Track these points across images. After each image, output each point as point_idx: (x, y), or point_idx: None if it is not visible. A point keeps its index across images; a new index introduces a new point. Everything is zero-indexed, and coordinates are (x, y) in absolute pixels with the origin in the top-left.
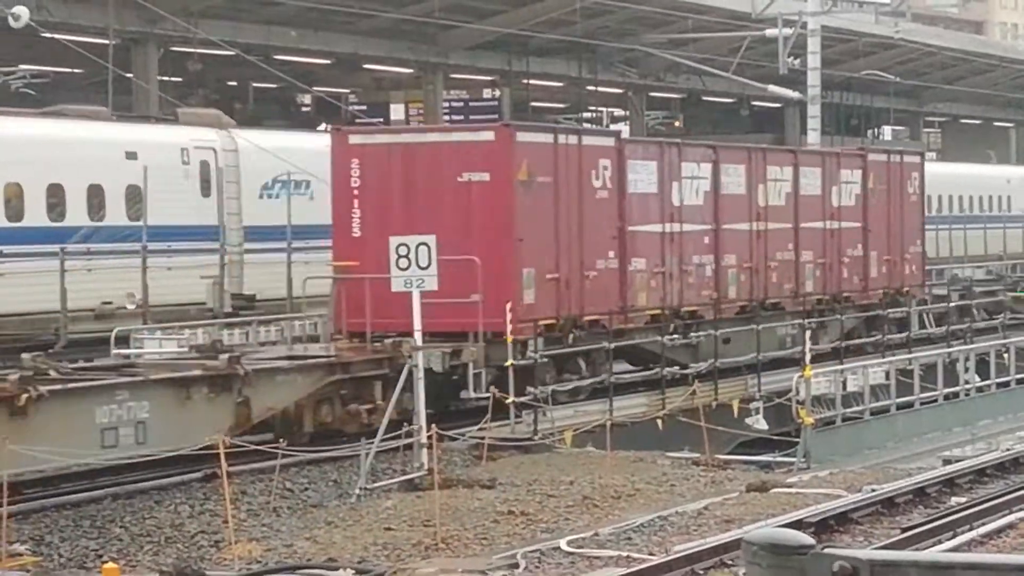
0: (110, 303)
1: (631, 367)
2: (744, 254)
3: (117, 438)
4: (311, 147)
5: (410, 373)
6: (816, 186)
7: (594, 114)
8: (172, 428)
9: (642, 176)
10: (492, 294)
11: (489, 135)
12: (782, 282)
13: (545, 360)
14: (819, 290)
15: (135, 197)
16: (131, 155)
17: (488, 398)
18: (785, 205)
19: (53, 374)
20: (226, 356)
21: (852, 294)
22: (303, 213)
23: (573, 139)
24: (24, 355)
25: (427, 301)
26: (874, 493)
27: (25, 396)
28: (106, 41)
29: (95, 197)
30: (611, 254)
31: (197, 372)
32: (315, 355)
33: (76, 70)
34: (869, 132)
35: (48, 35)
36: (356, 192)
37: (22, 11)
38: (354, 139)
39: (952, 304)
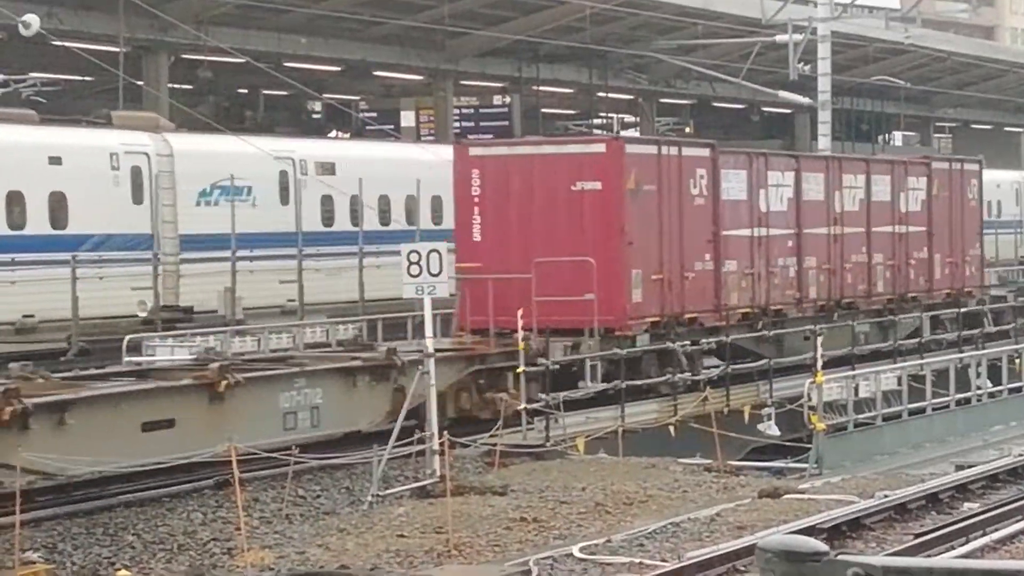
0: (32, 316)
1: (719, 361)
2: (823, 256)
3: (296, 421)
4: (253, 152)
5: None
6: (886, 192)
7: (604, 120)
8: (341, 412)
9: (733, 184)
10: (604, 293)
11: (600, 147)
12: (856, 283)
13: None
14: (889, 290)
15: (59, 204)
16: (55, 160)
17: (606, 388)
18: (858, 210)
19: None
20: (384, 349)
21: (919, 294)
22: (247, 221)
23: (674, 150)
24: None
25: (548, 299)
26: (887, 499)
27: (224, 383)
28: (117, 49)
29: (15, 204)
30: (707, 256)
31: (358, 363)
32: (457, 348)
33: (87, 78)
34: (880, 137)
35: (59, 43)
36: (476, 200)
37: (33, 19)
38: (474, 151)
39: (1009, 304)
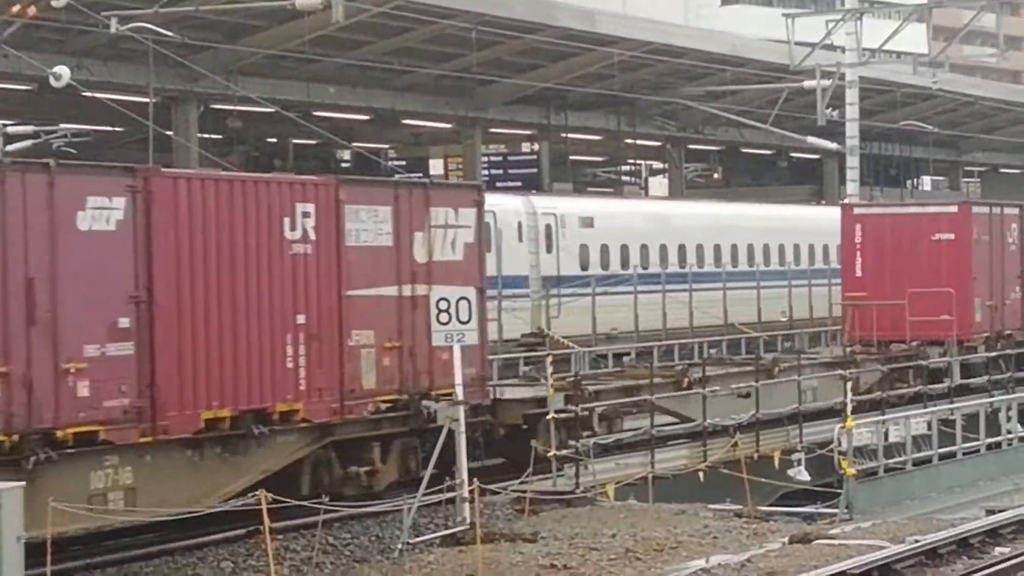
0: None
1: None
2: None
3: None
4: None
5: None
6: None
7: (632, 167)
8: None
9: None
10: (958, 314)
11: (954, 209)
12: None
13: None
14: None
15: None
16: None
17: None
18: None
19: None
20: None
21: None
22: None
23: (996, 209)
24: None
25: (920, 319)
26: (917, 544)
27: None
28: (146, 99)
29: None
30: (1017, 288)
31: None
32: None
33: (117, 128)
34: (908, 183)
35: (89, 94)
36: (858, 246)
37: (63, 71)
38: (857, 211)
39: None
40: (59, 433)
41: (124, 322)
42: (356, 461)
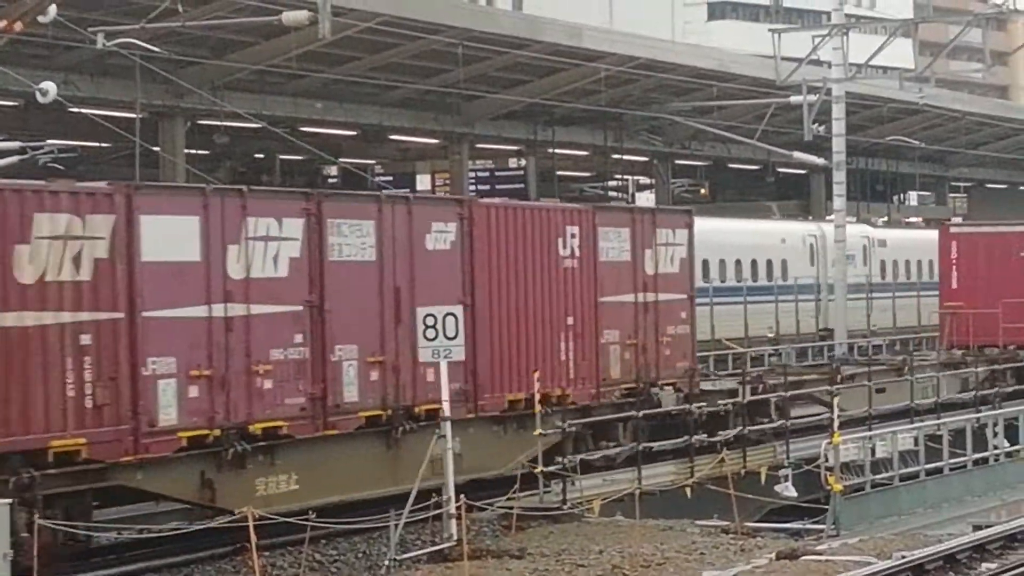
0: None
1: None
2: None
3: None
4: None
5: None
6: None
7: (619, 182)
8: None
9: None
10: None
11: None
12: None
13: None
14: None
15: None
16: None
17: None
18: None
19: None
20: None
21: None
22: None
23: None
24: None
25: (1012, 326)
26: (904, 560)
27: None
28: (133, 115)
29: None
30: None
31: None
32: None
33: (104, 144)
34: (895, 198)
35: (75, 110)
36: (954, 261)
37: (50, 87)
38: (953, 230)
39: None
40: (416, 409)
41: None
42: (605, 437)
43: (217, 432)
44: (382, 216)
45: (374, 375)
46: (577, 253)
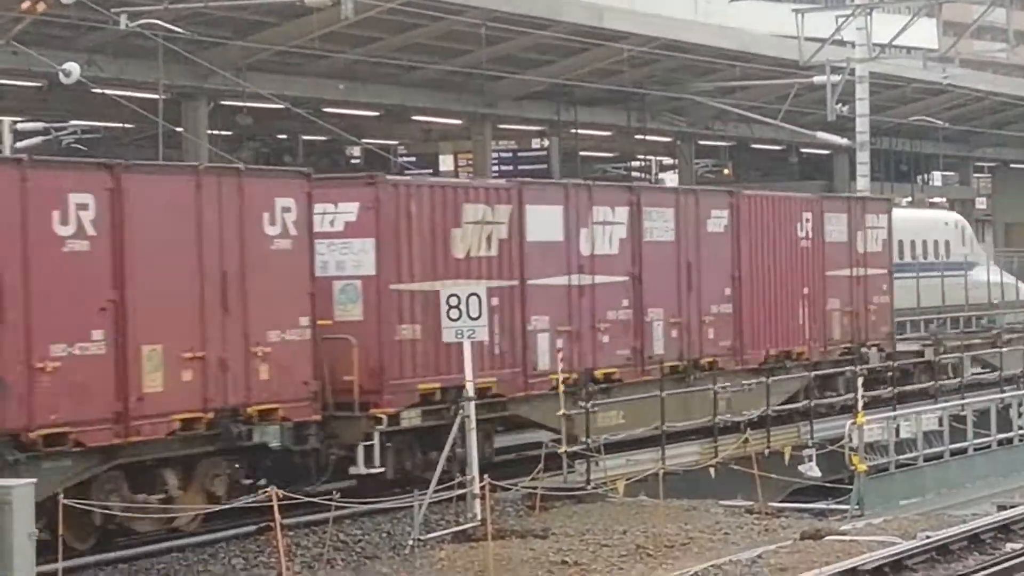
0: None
1: None
2: None
3: None
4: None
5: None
6: None
7: (643, 163)
8: None
9: None
10: None
11: None
12: None
13: None
14: None
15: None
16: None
17: None
18: None
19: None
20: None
21: None
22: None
23: None
24: None
25: None
26: (928, 540)
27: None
28: (156, 96)
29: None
30: None
31: None
32: None
33: (127, 125)
34: (918, 178)
35: (99, 91)
36: None
37: (73, 67)
38: None
39: None
40: (701, 361)
41: (727, 292)
42: (828, 388)
43: (575, 376)
44: (678, 205)
45: (674, 333)
46: (810, 235)
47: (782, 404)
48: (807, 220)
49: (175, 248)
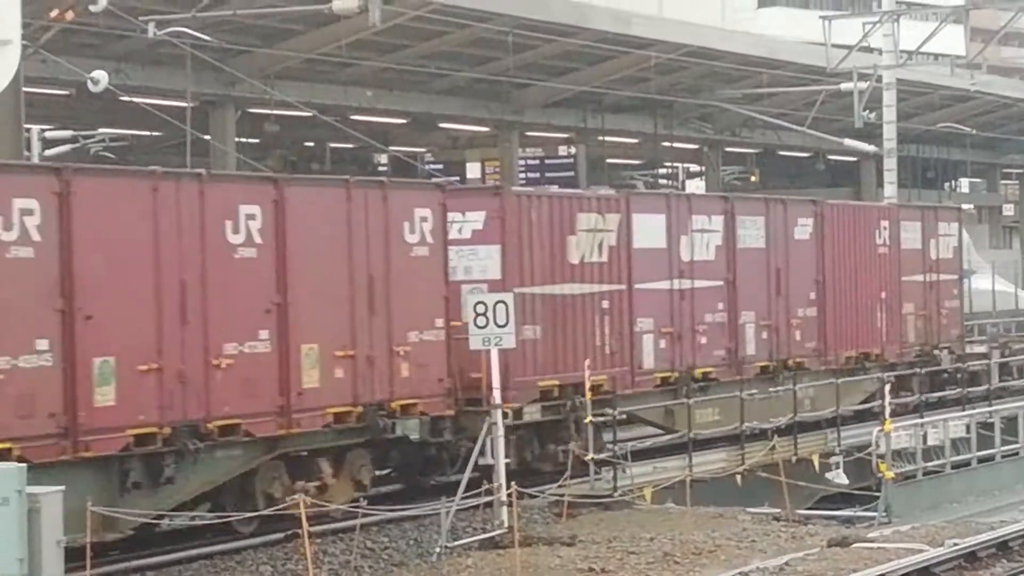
0: None
1: None
2: None
3: None
4: None
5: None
6: None
7: (669, 169)
8: None
9: None
10: None
11: None
12: None
13: None
14: None
15: None
16: None
17: None
18: None
19: None
20: None
21: None
22: None
23: None
24: None
25: None
26: (956, 547)
27: None
28: (184, 104)
29: None
30: None
31: None
32: None
33: (155, 133)
34: (946, 184)
35: (127, 99)
36: None
37: (101, 75)
38: None
39: None
40: (789, 361)
41: (812, 296)
42: (901, 388)
43: (676, 374)
44: (768, 213)
45: (764, 335)
46: (887, 242)
47: (860, 404)
48: (884, 228)
49: (329, 254)
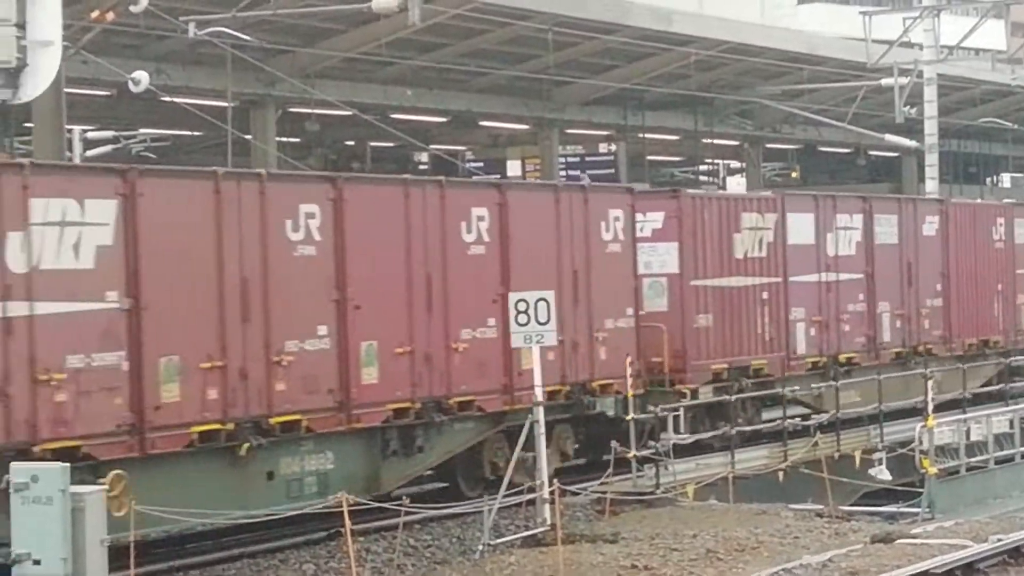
0: None
1: None
2: None
3: None
4: None
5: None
6: None
7: (710, 166)
8: None
9: None
10: None
11: None
12: None
13: None
14: None
15: None
16: None
17: None
18: None
19: None
20: None
21: None
22: None
23: None
24: None
25: None
26: (1000, 543)
27: None
28: (224, 104)
29: None
30: None
31: None
32: None
33: (195, 133)
34: (987, 180)
35: (167, 99)
36: None
37: (142, 76)
38: None
39: None
40: (918, 347)
41: (938, 287)
42: (1017, 373)
43: (824, 359)
44: (901, 212)
45: (897, 323)
46: (1003, 238)
47: (981, 387)
48: (1000, 224)
49: (543, 251)
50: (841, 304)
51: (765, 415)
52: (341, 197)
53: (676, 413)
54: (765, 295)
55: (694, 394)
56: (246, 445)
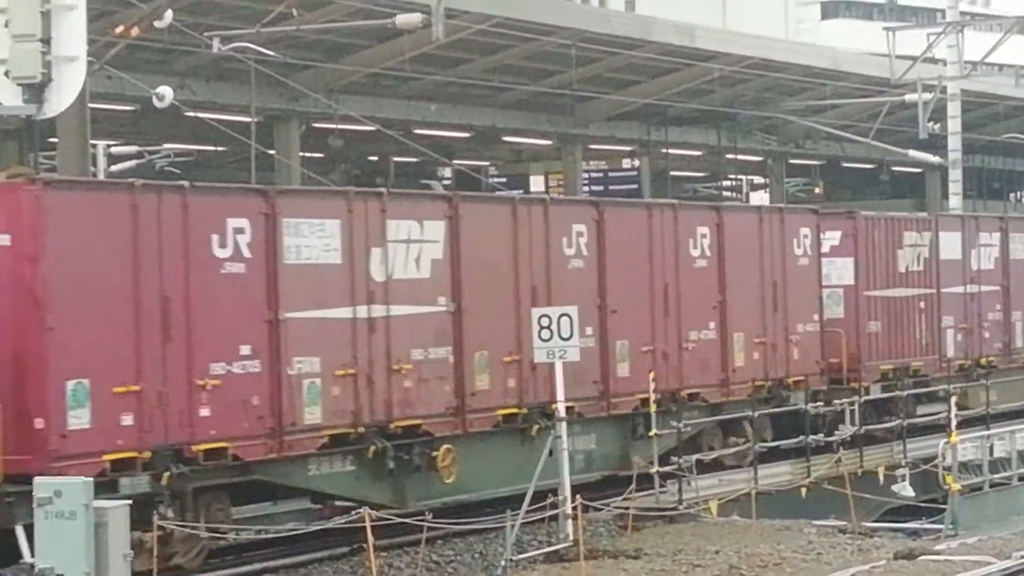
0: None
1: None
2: None
3: None
4: None
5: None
6: None
7: (733, 182)
8: None
9: None
10: None
11: None
12: None
13: None
14: None
15: None
16: None
17: None
18: None
19: None
20: None
21: None
22: None
23: None
24: None
25: None
26: (1023, 560)
27: None
28: (248, 119)
29: None
30: None
31: None
32: None
33: (219, 148)
34: (1011, 195)
35: (192, 114)
36: None
37: (166, 91)
38: None
39: None
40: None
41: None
42: None
43: (968, 362)
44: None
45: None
46: None
47: None
48: None
49: (748, 266)
50: (982, 313)
51: (920, 410)
52: (602, 218)
53: (852, 408)
54: (922, 304)
55: (866, 391)
56: (536, 427)
